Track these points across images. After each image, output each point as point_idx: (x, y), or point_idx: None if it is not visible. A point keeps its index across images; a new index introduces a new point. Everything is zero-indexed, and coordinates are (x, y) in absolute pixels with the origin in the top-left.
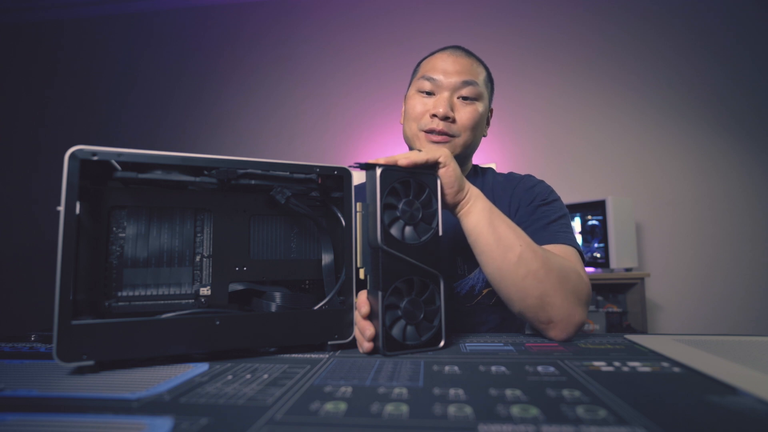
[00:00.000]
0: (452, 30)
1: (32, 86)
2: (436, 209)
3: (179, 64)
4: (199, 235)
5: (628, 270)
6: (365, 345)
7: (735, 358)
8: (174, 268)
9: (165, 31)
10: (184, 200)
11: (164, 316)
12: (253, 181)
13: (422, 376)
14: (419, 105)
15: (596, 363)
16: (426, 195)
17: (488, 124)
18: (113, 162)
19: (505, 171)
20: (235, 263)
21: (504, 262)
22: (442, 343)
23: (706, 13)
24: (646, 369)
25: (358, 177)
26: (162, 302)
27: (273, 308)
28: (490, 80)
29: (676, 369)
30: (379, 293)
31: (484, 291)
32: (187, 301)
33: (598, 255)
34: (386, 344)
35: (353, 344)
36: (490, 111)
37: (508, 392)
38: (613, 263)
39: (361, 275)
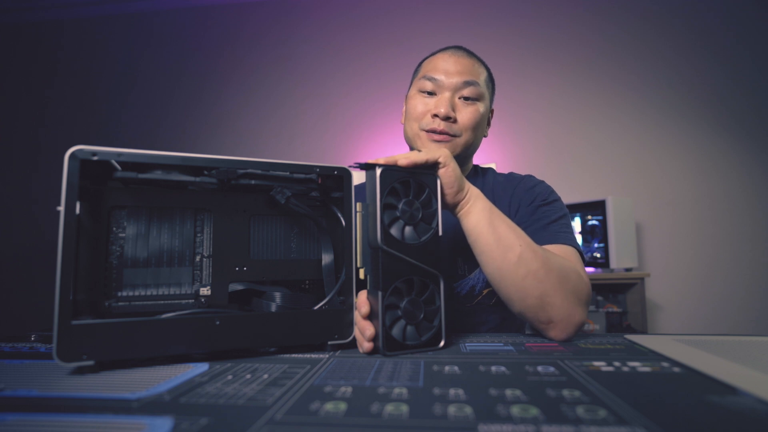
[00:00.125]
0: (452, 30)
1: (32, 86)
2: (436, 209)
3: (179, 64)
4: (199, 235)
5: (628, 270)
6: (365, 345)
7: (735, 358)
8: (174, 268)
9: (165, 31)
10: (184, 200)
11: (164, 316)
12: (253, 181)
13: (422, 376)
14: (420, 105)
15: (596, 363)
16: (426, 195)
17: (489, 124)
18: (113, 162)
19: (505, 171)
20: (235, 263)
21: (504, 262)
22: (442, 343)
23: (706, 13)
24: (646, 369)
25: (358, 177)
26: (162, 302)
27: (273, 308)
28: (491, 81)
29: (676, 369)
30: (379, 293)
31: (485, 291)
32: (187, 301)
33: (598, 255)
34: (386, 344)
35: (353, 344)
36: (491, 111)
37: (508, 392)
38: (613, 263)
39: (361, 275)
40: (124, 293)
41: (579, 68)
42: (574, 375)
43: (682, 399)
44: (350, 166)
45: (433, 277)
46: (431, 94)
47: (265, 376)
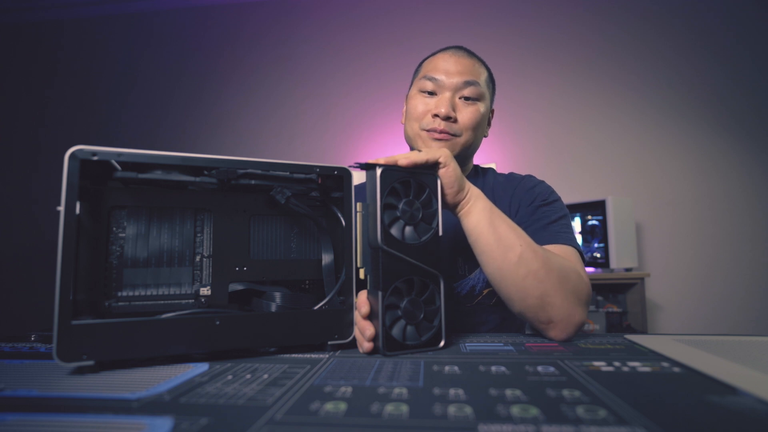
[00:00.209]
0: (452, 30)
1: (32, 86)
2: (436, 209)
3: (179, 64)
4: (199, 235)
5: (628, 270)
6: (365, 345)
7: (735, 358)
8: (174, 268)
9: (165, 31)
10: (184, 200)
11: (164, 316)
12: (253, 181)
13: (422, 376)
14: (421, 105)
15: (596, 363)
16: (426, 195)
17: (489, 124)
18: (113, 162)
19: (505, 171)
20: (235, 263)
21: (504, 262)
22: (442, 343)
23: (706, 13)
24: (646, 369)
25: (358, 177)
26: (162, 302)
27: (273, 308)
28: (491, 81)
29: (676, 369)
30: (379, 293)
31: (485, 291)
32: (187, 301)
33: (598, 255)
34: (386, 344)
35: (353, 344)
36: (492, 111)
37: (508, 392)
38: (613, 263)
39: (361, 275)
40: (124, 293)
41: (579, 68)
42: (574, 375)
43: (682, 399)
44: (350, 166)
45: (433, 277)
46: (432, 94)
47: (265, 376)
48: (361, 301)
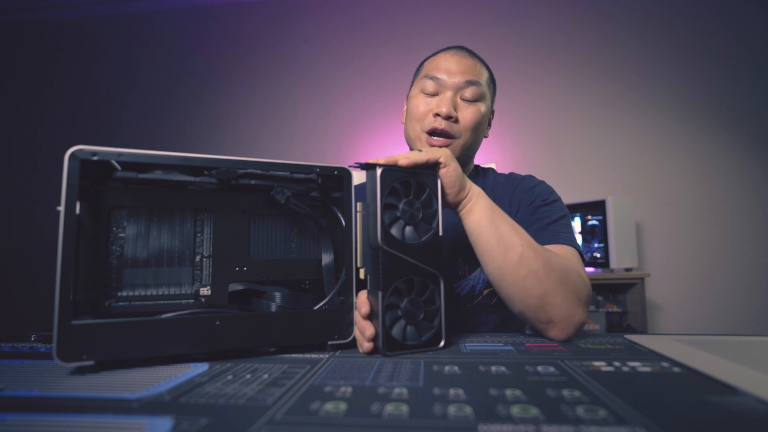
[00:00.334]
0: (452, 30)
1: (32, 86)
2: (437, 209)
3: (179, 64)
4: (199, 235)
5: (628, 270)
6: (365, 345)
7: (735, 358)
8: (174, 268)
9: (165, 31)
10: (184, 200)
11: (164, 316)
12: (253, 181)
13: (422, 376)
14: (422, 105)
15: (596, 363)
16: (426, 195)
17: (490, 125)
18: (113, 162)
19: (505, 171)
20: (235, 263)
21: (505, 262)
22: (442, 343)
23: (706, 13)
24: (646, 369)
25: (358, 177)
26: (162, 302)
27: (273, 308)
28: (492, 81)
29: (676, 369)
30: (379, 293)
31: (485, 291)
32: (187, 301)
33: (598, 255)
34: (386, 344)
35: (353, 344)
36: (492, 112)
37: (508, 392)
38: (613, 263)
39: (361, 275)
40: (124, 293)
41: (579, 68)
42: (574, 375)
43: (682, 399)
44: (350, 166)
45: (433, 277)
46: (433, 94)
47: (265, 376)
48: (361, 301)
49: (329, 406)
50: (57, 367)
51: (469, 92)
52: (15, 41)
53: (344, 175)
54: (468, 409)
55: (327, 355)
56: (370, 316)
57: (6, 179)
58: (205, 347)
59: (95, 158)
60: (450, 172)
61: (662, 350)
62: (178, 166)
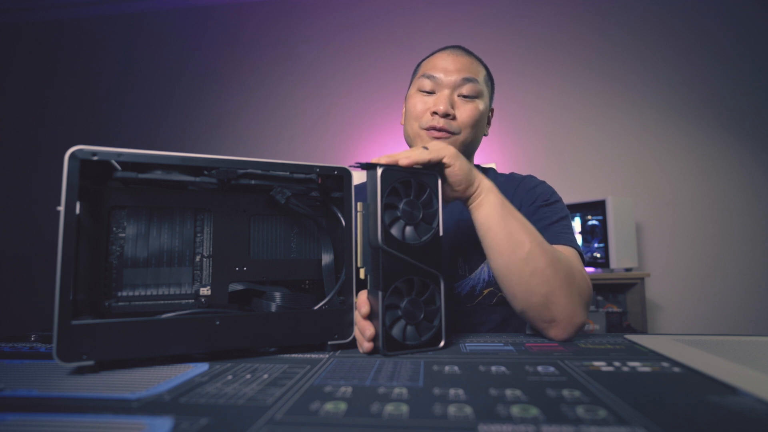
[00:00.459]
0: (452, 30)
1: (32, 86)
2: (437, 209)
3: (179, 64)
4: (199, 235)
5: (628, 270)
6: (365, 345)
7: (735, 358)
8: (174, 268)
9: (165, 31)
10: (184, 200)
11: (164, 316)
12: (253, 181)
13: (422, 376)
14: (420, 104)
15: (596, 363)
16: (427, 195)
17: (489, 123)
18: (113, 162)
19: (505, 171)
20: (235, 263)
21: (512, 258)
22: (442, 343)
23: (706, 13)
24: (646, 369)
25: (358, 177)
26: (162, 302)
27: (273, 308)
28: (490, 79)
29: (676, 369)
30: (379, 293)
31: (485, 291)
32: (187, 301)
33: (598, 255)
34: (386, 344)
35: (353, 344)
36: (491, 110)
37: (508, 392)
38: (613, 263)
39: (362, 275)
40: (124, 293)
41: (579, 68)
42: (574, 375)
43: (682, 399)
44: (351, 166)
45: (433, 277)
46: (430, 92)
47: (265, 376)
48: (361, 301)
49: (329, 406)
50: (57, 367)
51: (466, 89)
52: (15, 41)
53: (344, 175)
54: (468, 409)
55: (327, 355)
56: (370, 316)
57: (6, 179)
58: (205, 347)
59: (95, 158)
60: (456, 171)
61: (662, 350)
62: (178, 166)
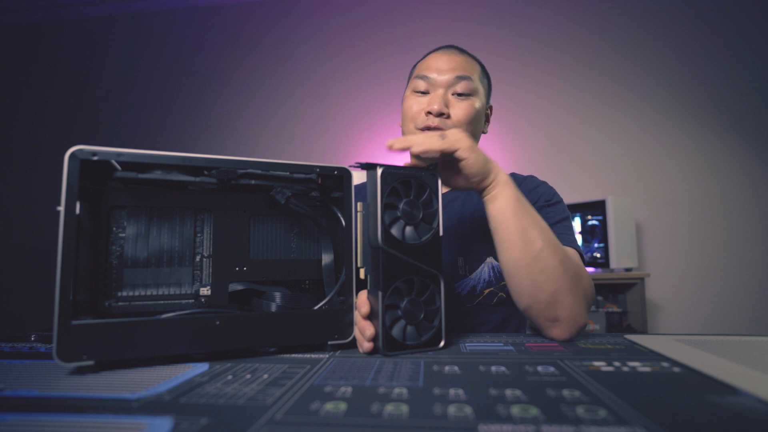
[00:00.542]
0: (452, 30)
1: (32, 86)
2: (437, 209)
3: (179, 64)
4: (199, 235)
5: (628, 270)
6: (365, 345)
7: (735, 358)
8: (174, 268)
9: (165, 31)
10: (184, 200)
11: (164, 316)
12: (253, 181)
13: (422, 376)
14: (415, 104)
15: (596, 363)
16: (427, 195)
17: (488, 121)
18: (113, 162)
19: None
20: (235, 263)
21: (523, 254)
22: (442, 343)
23: (706, 13)
24: (646, 369)
25: (358, 177)
26: (162, 302)
27: (273, 308)
28: (486, 76)
29: (676, 369)
30: (379, 293)
31: (486, 291)
32: (187, 301)
33: (598, 255)
34: (386, 344)
35: (353, 344)
36: (489, 108)
37: (508, 392)
38: (613, 263)
39: (362, 275)
40: (124, 293)
41: (579, 68)
42: (574, 375)
43: (682, 399)
44: (351, 166)
45: (433, 277)
46: (425, 93)
47: (265, 376)
48: (361, 301)
49: (329, 406)
50: (57, 367)
51: (460, 87)
52: (15, 41)
53: (344, 175)
54: (468, 409)
55: (327, 355)
56: (370, 316)
57: (6, 179)
58: (205, 347)
59: (95, 158)
60: (470, 164)
61: (662, 350)
62: (178, 166)
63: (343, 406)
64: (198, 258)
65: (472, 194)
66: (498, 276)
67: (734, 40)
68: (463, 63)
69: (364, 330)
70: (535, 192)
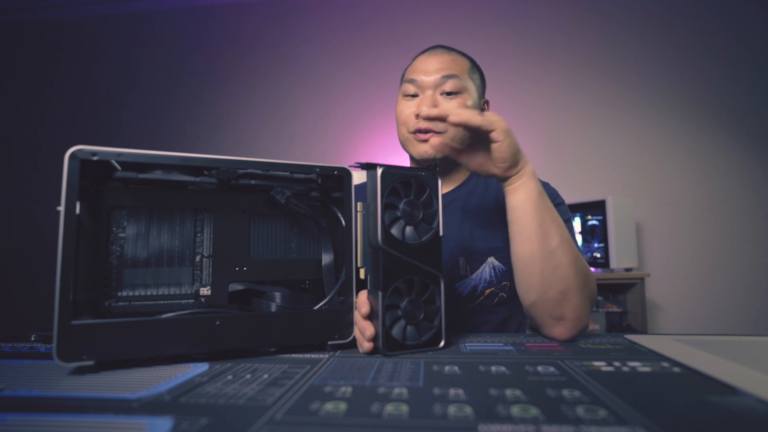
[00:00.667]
0: (452, 30)
1: (32, 86)
2: (437, 209)
3: (179, 64)
4: (199, 235)
5: (628, 270)
6: (365, 345)
7: (735, 358)
8: (174, 268)
9: (165, 31)
10: (184, 200)
11: (164, 316)
12: (253, 181)
13: (422, 376)
14: (405, 109)
15: (596, 363)
16: (427, 195)
17: None
18: (113, 162)
19: None
20: (235, 263)
21: (539, 249)
22: (442, 343)
23: (706, 13)
24: (646, 369)
25: (358, 177)
26: (162, 302)
27: (273, 308)
28: (477, 71)
29: (676, 369)
30: (379, 293)
31: (487, 291)
32: (187, 301)
33: (598, 255)
34: (386, 344)
35: (353, 344)
36: (485, 103)
37: (508, 392)
38: (613, 263)
39: (362, 275)
40: (124, 293)
41: (579, 68)
42: (574, 375)
43: (682, 399)
44: (351, 166)
45: (433, 277)
46: (415, 96)
47: (265, 376)
48: (361, 301)
49: (329, 406)
50: (57, 367)
51: (448, 86)
52: (15, 41)
53: (344, 175)
54: (468, 409)
55: (327, 355)
56: (370, 316)
57: (6, 179)
58: (205, 347)
59: (95, 158)
60: (503, 148)
61: (662, 350)
62: (178, 166)
63: (343, 406)
64: (198, 258)
65: (473, 194)
66: (499, 276)
67: (734, 40)
68: (449, 62)
69: (364, 330)
70: None
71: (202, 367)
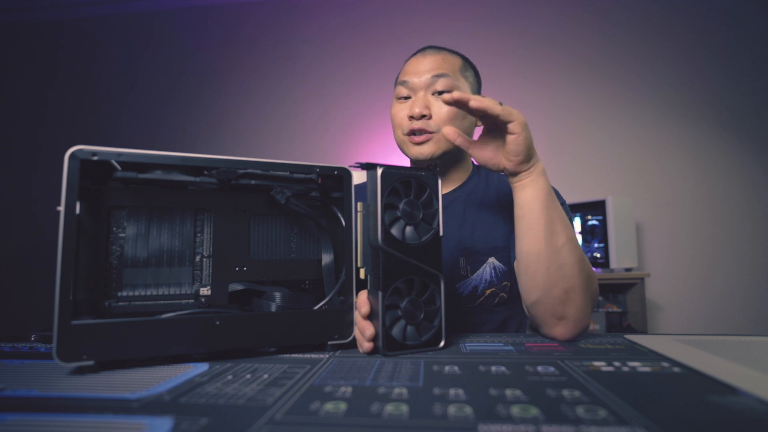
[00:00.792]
0: (452, 30)
1: (32, 86)
2: (437, 209)
3: (179, 64)
4: (199, 235)
5: (628, 270)
6: (365, 345)
7: (735, 358)
8: (174, 268)
9: (165, 31)
10: (184, 200)
11: (164, 316)
12: (253, 181)
13: (422, 376)
14: (399, 111)
15: (596, 363)
16: (427, 195)
17: None
18: (113, 162)
19: None
20: (235, 263)
21: (546, 246)
22: (442, 343)
23: (706, 13)
24: (646, 369)
25: (358, 177)
26: (162, 302)
27: (273, 308)
28: (470, 68)
29: (676, 369)
30: (379, 293)
31: (487, 292)
32: (187, 301)
33: (598, 255)
34: (386, 344)
35: (353, 344)
36: None
37: (508, 392)
38: (613, 263)
39: (362, 275)
40: (124, 293)
41: (579, 68)
42: (574, 375)
43: (682, 399)
44: (351, 166)
45: (433, 277)
46: (407, 98)
47: (265, 376)
48: (361, 301)
49: (329, 406)
50: (57, 367)
51: (439, 85)
52: (15, 41)
53: (344, 175)
54: (468, 409)
55: (327, 355)
56: (370, 316)
57: (6, 179)
58: (205, 347)
59: (95, 158)
60: (519, 141)
61: (662, 350)
62: (178, 166)
63: (343, 406)
64: (198, 258)
65: (473, 195)
66: (500, 276)
67: (734, 40)
68: (439, 61)
69: (364, 330)
70: None
71: (202, 367)
